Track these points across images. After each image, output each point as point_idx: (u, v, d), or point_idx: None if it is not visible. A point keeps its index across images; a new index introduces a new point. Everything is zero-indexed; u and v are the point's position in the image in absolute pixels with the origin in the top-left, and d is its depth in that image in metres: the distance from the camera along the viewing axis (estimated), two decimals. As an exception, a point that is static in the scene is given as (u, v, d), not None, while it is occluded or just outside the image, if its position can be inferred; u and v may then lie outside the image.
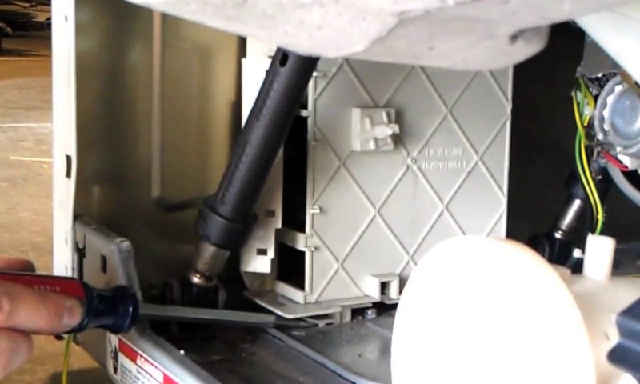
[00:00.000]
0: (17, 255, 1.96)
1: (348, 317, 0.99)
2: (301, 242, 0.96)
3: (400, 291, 0.99)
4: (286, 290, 0.99)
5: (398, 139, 0.99)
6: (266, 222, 0.96)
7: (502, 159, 1.07)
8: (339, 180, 0.97)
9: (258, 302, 0.98)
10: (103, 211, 1.01)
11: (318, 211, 0.96)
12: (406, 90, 1.00)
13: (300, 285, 0.97)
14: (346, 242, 0.99)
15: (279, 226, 0.96)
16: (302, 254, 0.96)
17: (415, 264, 1.02)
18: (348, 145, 0.97)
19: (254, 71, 0.96)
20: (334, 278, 0.98)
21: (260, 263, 0.97)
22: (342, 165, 0.97)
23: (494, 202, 1.07)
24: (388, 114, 0.97)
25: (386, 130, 0.96)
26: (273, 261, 0.97)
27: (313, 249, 0.96)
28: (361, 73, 0.97)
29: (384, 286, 1.00)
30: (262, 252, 0.96)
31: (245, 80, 0.98)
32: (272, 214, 0.96)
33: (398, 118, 0.99)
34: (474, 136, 1.05)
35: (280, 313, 0.95)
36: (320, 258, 0.97)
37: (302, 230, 0.96)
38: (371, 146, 0.97)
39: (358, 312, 1.00)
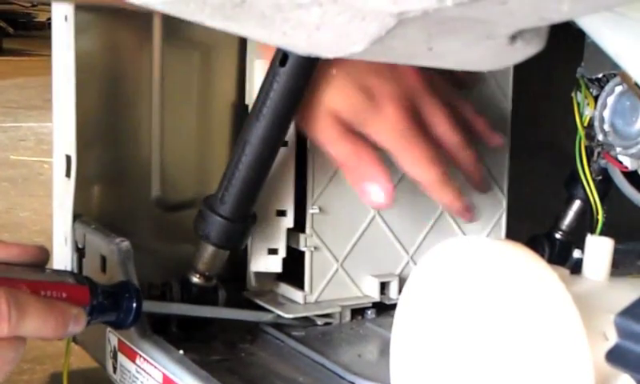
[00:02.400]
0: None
1: (348, 317, 0.99)
2: (300, 242, 0.96)
3: (400, 291, 0.99)
4: (286, 290, 0.99)
5: None
6: (277, 222, 0.96)
7: (502, 159, 1.07)
8: (339, 180, 0.97)
9: (258, 301, 0.98)
10: (103, 211, 1.01)
11: (317, 211, 0.96)
12: None
13: (300, 285, 0.97)
14: (346, 242, 0.99)
15: (291, 225, 0.96)
16: (302, 253, 0.96)
17: (415, 264, 1.02)
18: None
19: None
20: (333, 278, 0.98)
21: (271, 263, 0.97)
22: None
23: (493, 202, 1.07)
24: None
25: None
26: (284, 260, 0.97)
27: (312, 249, 0.96)
28: (360, 73, 0.96)
29: (384, 286, 1.00)
30: (273, 251, 0.96)
31: (257, 81, 0.97)
32: (283, 213, 0.96)
33: None
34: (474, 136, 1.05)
35: (280, 313, 0.95)
36: (319, 258, 0.97)
37: (302, 230, 0.96)
38: None
39: (357, 312, 1.00)
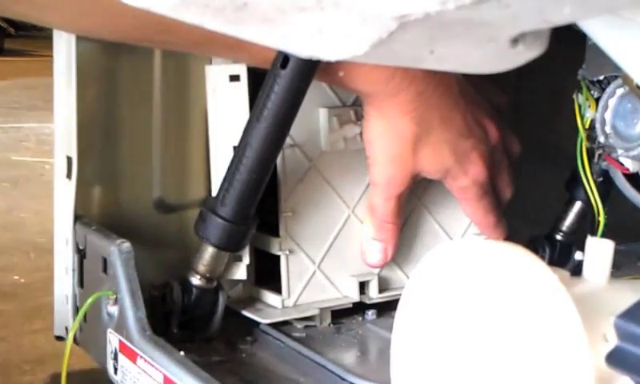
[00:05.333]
0: (18, 255, 1.96)
1: (328, 319, 0.98)
2: (275, 246, 0.96)
3: (379, 290, 0.99)
4: (264, 295, 0.98)
5: None
6: None
7: None
8: (311, 181, 0.97)
9: (236, 308, 0.97)
10: (104, 212, 1.01)
11: (290, 214, 0.96)
12: None
13: (278, 289, 0.97)
14: (322, 244, 0.98)
15: (254, 231, 0.95)
16: (278, 258, 0.96)
17: (394, 261, 1.01)
18: (318, 145, 0.97)
19: (219, 77, 0.95)
20: (311, 281, 0.97)
21: (236, 270, 0.96)
22: (312, 166, 0.97)
23: None
24: (356, 112, 0.97)
25: (354, 129, 0.96)
26: (249, 267, 0.96)
27: (287, 252, 0.95)
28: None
29: (363, 286, 0.99)
30: (238, 259, 0.96)
31: (208, 87, 0.97)
32: None
33: None
34: None
35: (257, 319, 0.95)
36: (296, 261, 0.96)
37: (276, 234, 0.96)
38: (341, 145, 0.97)
39: (357, 313, 1.00)
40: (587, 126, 0.95)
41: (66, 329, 1.02)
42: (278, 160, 0.94)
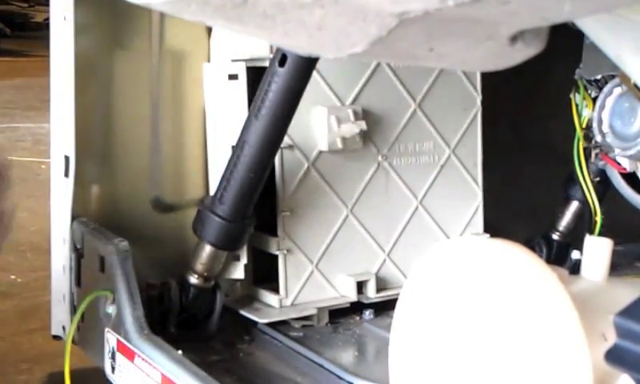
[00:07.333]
0: (15, 255, 1.96)
1: (325, 318, 0.98)
2: (273, 246, 0.96)
3: (377, 290, 0.99)
4: (262, 294, 0.98)
5: (367, 137, 0.99)
6: None
7: (475, 151, 1.07)
8: (309, 181, 0.97)
9: (234, 308, 0.97)
10: (101, 211, 1.01)
11: (288, 214, 0.96)
12: (373, 87, 0.99)
13: (276, 289, 0.97)
14: (320, 243, 0.98)
15: (251, 230, 0.95)
16: (276, 257, 0.96)
17: (392, 261, 1.02)
18: (316, 145, 0.97)
19: (217, 76, 0.95)
20: (309, 280, 0.97)
21: (234, 269, 0.96)
22: (310, 166, 0.97)
23: (469, 195, 1.07)
24: (354, 112, 0.97)
25: (352, 128, 0.96)
26: (247, 266, 0.96)
27: (285, 252, 0.96)
28: (325, 72, 0.96)
29: (361, 286, 0.99)
30: (236, 258, 0.96)
31: (206, 85, 0.97)
32: None
33: (366, 115, 0.98)
34: (444, 129, 1.05)
35: (255, 318, 0.94)
36: (294, 261, 0.96)
37: (274, 233, 0.96)
38: (339, 145, 0.96)
39: (354, 312, 1.00)
40: (584, 126, 0.95)
41: (63, 328, 1.02)
42: (277, 160, 0.94)
